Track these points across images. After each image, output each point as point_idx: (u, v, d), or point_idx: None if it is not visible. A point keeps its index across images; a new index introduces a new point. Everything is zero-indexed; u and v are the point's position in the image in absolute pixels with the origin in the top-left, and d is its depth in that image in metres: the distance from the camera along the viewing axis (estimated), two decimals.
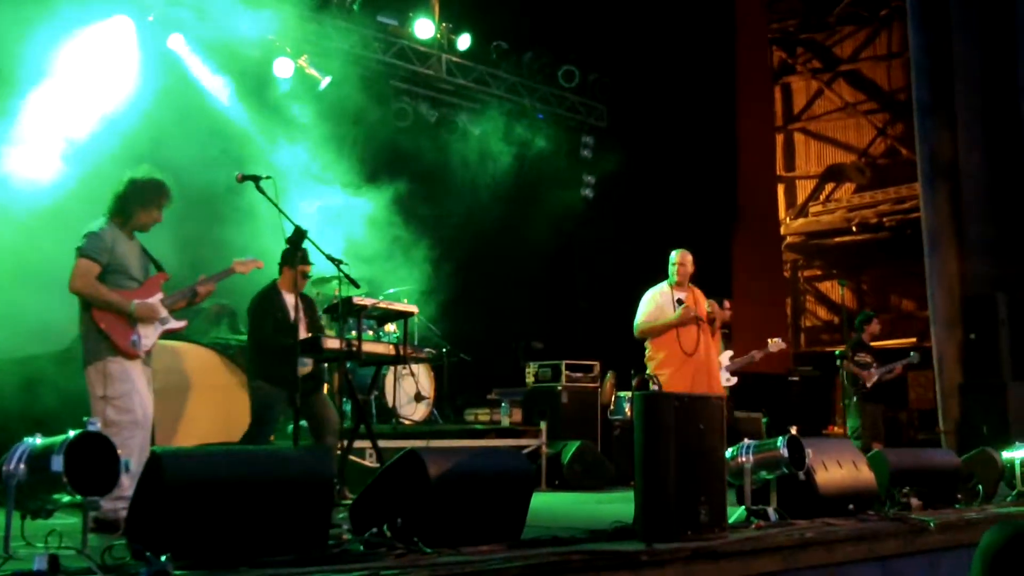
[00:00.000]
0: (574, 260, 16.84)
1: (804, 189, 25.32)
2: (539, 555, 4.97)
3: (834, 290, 24.29)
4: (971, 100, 14.77)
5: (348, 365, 8.63)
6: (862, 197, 24.17)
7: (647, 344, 9.85)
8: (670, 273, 9.89)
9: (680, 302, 9.69)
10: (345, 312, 8.33)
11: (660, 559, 5.22)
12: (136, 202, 6.79)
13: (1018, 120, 14.45)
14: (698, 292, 9.99)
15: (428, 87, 14.71)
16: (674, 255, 9.91)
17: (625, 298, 11.17)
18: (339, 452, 8.30)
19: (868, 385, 12.17)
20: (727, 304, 11.23)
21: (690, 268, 9.90)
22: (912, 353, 13.06)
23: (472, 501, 5.34)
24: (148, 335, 6.73)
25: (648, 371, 9.76)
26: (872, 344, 12.82)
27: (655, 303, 9.82)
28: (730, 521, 6.03)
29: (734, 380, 11.90)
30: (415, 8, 14.21)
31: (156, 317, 6.77)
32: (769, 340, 11.97)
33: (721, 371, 11.37)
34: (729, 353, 11.92)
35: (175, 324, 6.97)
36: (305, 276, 8.28)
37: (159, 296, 6.86)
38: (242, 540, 4.69)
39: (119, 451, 4.74)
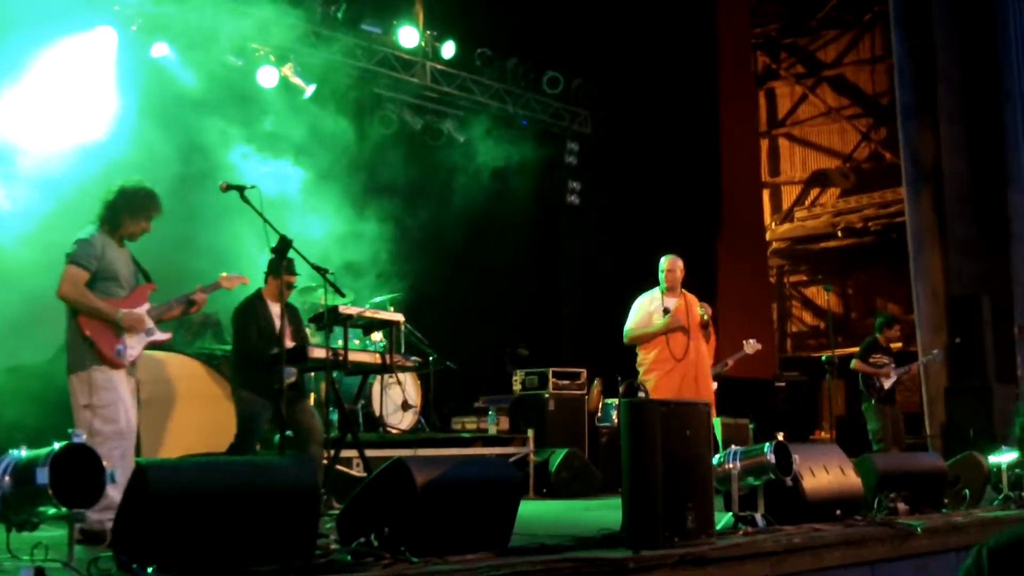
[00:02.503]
0: (560, 266, 16.84)
1: (789, 194, 25.38)
2: (527, 563, 4.97)
3: (820, 295, 24.34)
4: (953, 103, 14.87)
5: (334, 374, 8.62)
6: (847, 202, 24.24)
7: (637, 349, 9.88)
8: (660, 280, 9.91)
9: (667, 311, 9.70)
10: (331, 321, 8.32)
11: (647, 566, 5.22)
12: (125, 211, 6.80)
13: (1000, 122, 14.54)
14: (691, 297, 10.00)
15: (412, 95, 14.70)
16: (663, 262, 9.92)
17: (611, 304, 11.19)
18: (326, 462, 8.28)
19: (886, 386, 12.18)
20: (708, 311, 11.26)
21: (680, 274, 9.92)
22: (935, 351, 13.09)
23: (459, 510, 5.34)
24: (133, 345, 6.73)
25: (639, 376, 9.78)
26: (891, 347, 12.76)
27: (644, 310, 9.84)
28: (717, 527, 6.03)
29: (714, 385, 11.88)
30: (399, 16, 14.21)
31: (142, 328, 6.77)
32: (744, 342, 11.93)
33: None
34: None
35: (160, 336, 6.98)
36: (290, 286, 8.27)
37: (146, 307, 6.86)
38: (229, 551, 4.68)
39: (104, 462, 4.73)
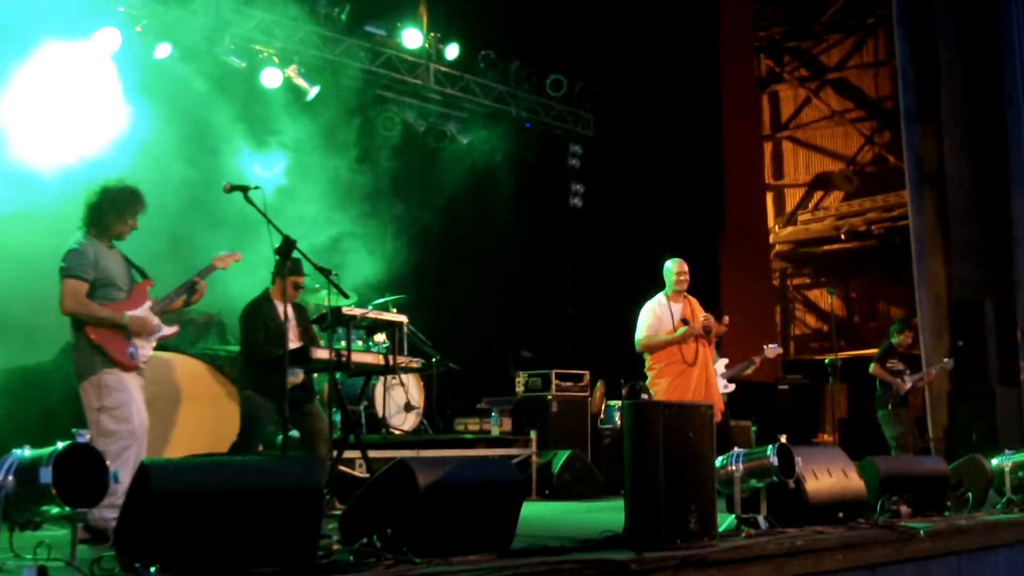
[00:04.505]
0: (562, 269, 16.85)
1: (793, 197, 25.40)
2: (529, 564, 4.96)
3: (823, 298, 24.38)
4: (957, 107, 14.86)
5: (338, 375, 8.62)
6: (850, 205, 24.26)
7: (646, 356, 9.88)
8: (668, 283, 9.88)
9: (685, 322, 9.71)
10: (334, 322, 8.32)
11: (649, 568, 5.21)
12: (110, 211, 6.74)
13: (1003, 126, 14.54)
14: (694, 302, 10.00)
15: (416, 96, 14.70)
16: (675, 264, 9.89)
17: (614, 307, 11.21)
18: (329, 462, 8.28)
19: (903, 393, 12.16)
20: (725, 319, 11.30)
21: (687, 278, 9.93)
22: (945, 359, 13.07)
23: (462, 511, 5.34)
24: (144, 346, 6.73)
25: (648, 381, 9.80)
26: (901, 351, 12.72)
27: (654, 316, 9.83)
28: (720, 530, 6.02)
29: (732, 387, 11.95)
30: (403, 18, 14.21)
31: (149, 330, 6.76)
32: (765, 346, 12.11)
33: (718, 379, 11.41)
34: (724, 361, 11.96)
35: (168, 331, 6.97)
36: (297, 287, 8.27)
37: (148, 304, 6.84)
38: (231, 551, 4.68)
39: (113, 461, 4.73)
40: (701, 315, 9.93)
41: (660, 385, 9.66)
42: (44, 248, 8.26)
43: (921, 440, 13.43)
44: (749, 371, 12.34)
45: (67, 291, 6.53)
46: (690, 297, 10.01)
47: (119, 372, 6.56)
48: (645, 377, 9.92)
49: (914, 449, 12.14)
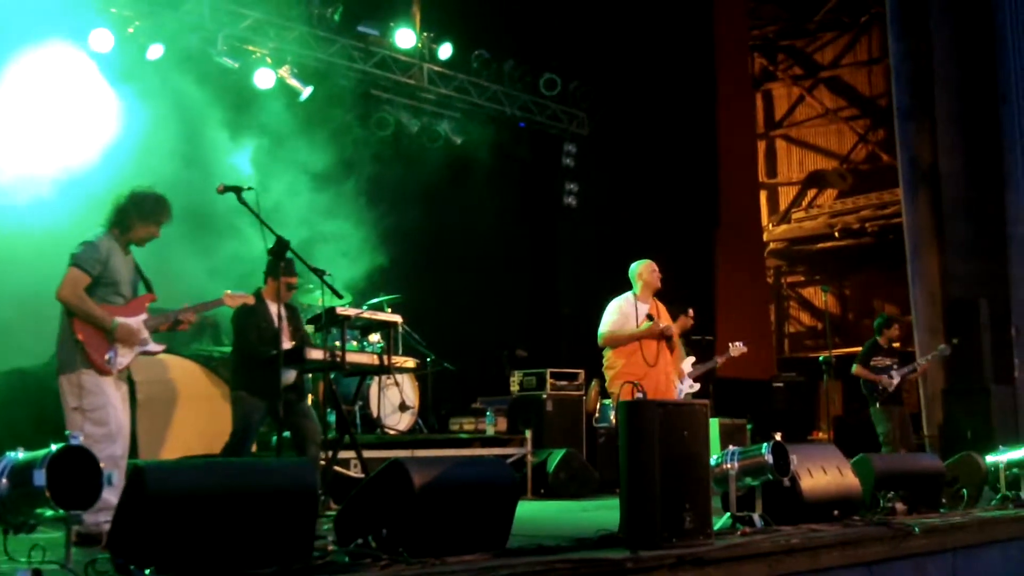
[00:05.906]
0: (557, 268, 16.84)
1: (786, 195, 25.43)
2: (524, 564, 4.96)
3: (817, 296, 24.40)
4: (951, 105, 14.87)
5: (332, 375, 8.60)
6: (844, 203, 24.30)
7: (607, 353, 9.79)
8: (641, 283, 9.80)
9: (650, 317, 9.66)
10: (328, 322, 8.31)
11: (645, 566, 5.22)
12: (134, 215, 6.77)
13: (997, 124, 14.54)
14: (660, 305, 9.97)
15: (409, 96, 14.68)
16: (646, 265, 9.81)
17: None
18: (324, 463, 8.27)
19: (890, 389, 12.13)
20: (690, 313, 11.26)
21: (659, 275, 9.91)
22: (941, 346, 13.04)
23: (457, 511, 5.33)
24: (124, 354, 6.69)
25: (607, 380, 9.74)
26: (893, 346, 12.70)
27: (620, 312, 9.76)
28: (715, 528, 6.02)
29: (696, 387, 11.88)
30: (396, 18, 14.19)
31: (135, 342, 6.73)
32: (730, 344, 12.17)
33: (684, 379, 11.40)
34: (691, 359, 11.92)
35: (154, 347, 6.93)
36: (291, 287, 8.24)
37: (143, 317, 6.83)
38: (226, 552, 4.67)
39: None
40: (665, 320, 9.89)
41: (617, 384, 9.51)
42: (36, 251, 8.28)
43: (916, 437, 13.44)
44: (715, 367, 12.43)
45: (68, 279, 6.56)
46: (656, 299, 9.97)
47: (96, 374, 6.55)
48: (604, 377, 9.87)
49: (904, 447, 12.13)
